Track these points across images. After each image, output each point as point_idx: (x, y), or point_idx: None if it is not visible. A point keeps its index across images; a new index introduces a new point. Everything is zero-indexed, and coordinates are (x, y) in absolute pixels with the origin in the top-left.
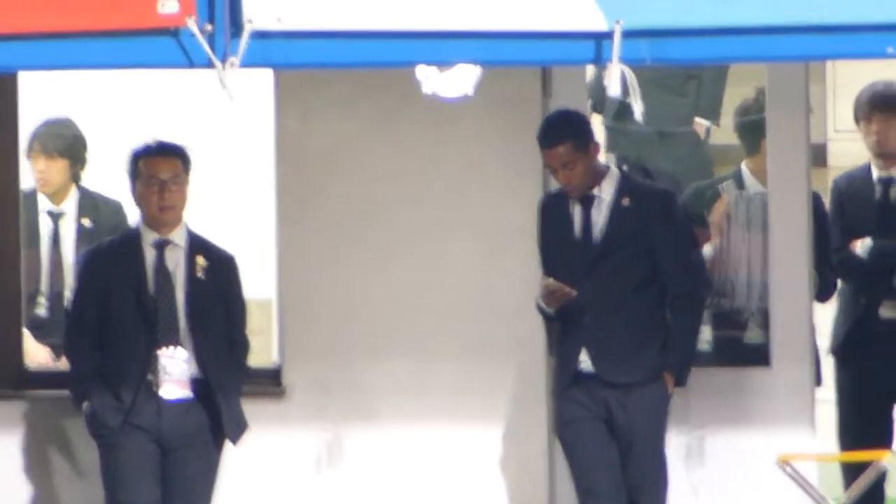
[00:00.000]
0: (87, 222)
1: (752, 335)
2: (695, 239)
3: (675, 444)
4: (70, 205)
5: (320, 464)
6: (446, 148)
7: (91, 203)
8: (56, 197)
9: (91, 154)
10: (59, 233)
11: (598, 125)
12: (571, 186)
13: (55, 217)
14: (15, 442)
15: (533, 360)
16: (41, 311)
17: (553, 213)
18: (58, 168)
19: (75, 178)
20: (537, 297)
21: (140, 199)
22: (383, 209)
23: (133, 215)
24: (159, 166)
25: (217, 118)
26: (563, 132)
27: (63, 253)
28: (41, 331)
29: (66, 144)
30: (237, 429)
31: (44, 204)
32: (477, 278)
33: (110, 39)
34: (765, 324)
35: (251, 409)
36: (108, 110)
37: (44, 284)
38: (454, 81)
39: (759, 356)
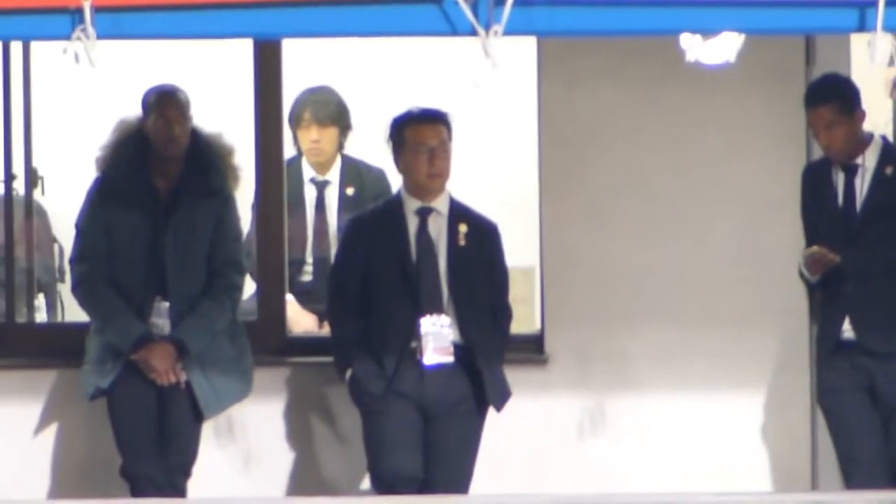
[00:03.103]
0: (350, 191)
1: None
2: None
3: None
4: (335, 173)
5: (583, 432)
6: (709, 116)
7: (355, 171)
8: (322, 166)
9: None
10: (325, 201)
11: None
12: (833, 150)
13: (320, 185)
14: (278, 408)
15: (796, 328)
16: (307, 278)
17: (816, 182)
18: (329, 137)
19: (340, 147)
20: (800, 264)
21: (406, 167)
22: (645, 177)
23: (395, 183)
24: (426, 133)
25: (480, 86)
26: (829, 93)
27: (328, 221)
28: (307, 297)
29: (336, 113)
30: (500, 396)
31: (307, 172)
32: (740, 246)
33: (374, 6)
34: None
35: (514, 376)
36: (367, 78)
37: (309, 252)
38: (717, 49)
39: None
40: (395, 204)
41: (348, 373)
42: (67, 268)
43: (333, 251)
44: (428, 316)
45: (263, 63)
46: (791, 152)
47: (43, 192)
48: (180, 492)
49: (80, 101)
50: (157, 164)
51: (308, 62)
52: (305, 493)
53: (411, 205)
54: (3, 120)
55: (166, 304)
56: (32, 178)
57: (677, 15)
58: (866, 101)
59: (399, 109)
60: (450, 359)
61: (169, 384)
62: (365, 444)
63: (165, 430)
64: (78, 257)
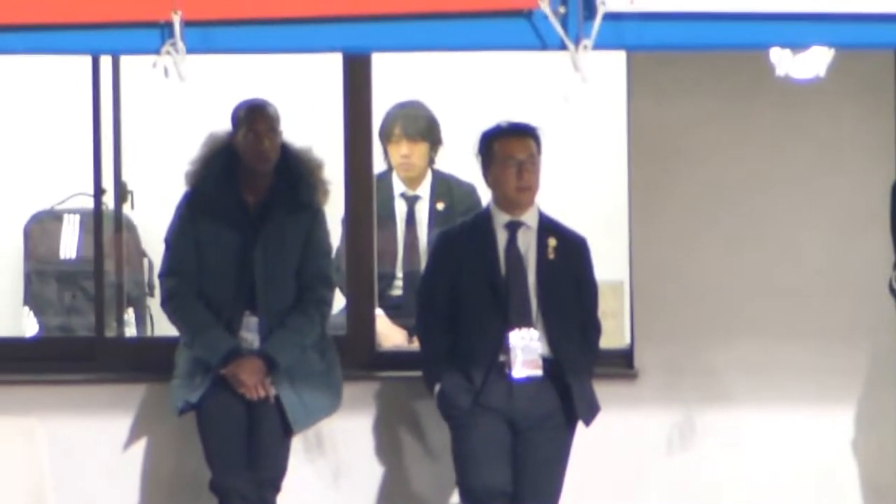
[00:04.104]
0: (441, 205)
1: None
2: None
3: None
4: (425, 188)
5: (672, 446)
6: (798, 130)
7: (445, 186)
8: (413, 181)
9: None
10: (415, 216)
11: None
12: None
13: (410, 200)
14: (367, 423)
15: (886, 343)
16: (396, 292)
17: None
18: (420, 152)
19: (430, 162)
20: (891, 278)
21: (495, 181)
22: (734, 191)
23: (486, 198)
24: (515, 147)
25: (569, 101)
26: None
27: (418, 235)
28: (396, 311)
29: (426, 128)
30: (589, 411)
31: (398, 187)
32: (829, 261)
33: (463, 21)
34: None
35: (603, 390)
36: (457, 92)
37: (399, 266)
38: (807, 63)
39: None
40: (485, 218)
41: (437, 387)
42: (157, 282)
43: (423, 265)
44: (517, 330)
45: (353, 77)
46: (881, 167)
47: (132, 207)
48: None
49: (170, 115)
50: (247, 178)
51: (398, 76)
52: None
53: (500, 219)
54: (92, 134)
55: (255, 319)
56: (122, 192)
57: (767, 29)
58: None
59: (489, 123)
60: (539, 372)
61: (258, 398)
62: (454, 459)
63: (255, 444)
64: (167, 272)
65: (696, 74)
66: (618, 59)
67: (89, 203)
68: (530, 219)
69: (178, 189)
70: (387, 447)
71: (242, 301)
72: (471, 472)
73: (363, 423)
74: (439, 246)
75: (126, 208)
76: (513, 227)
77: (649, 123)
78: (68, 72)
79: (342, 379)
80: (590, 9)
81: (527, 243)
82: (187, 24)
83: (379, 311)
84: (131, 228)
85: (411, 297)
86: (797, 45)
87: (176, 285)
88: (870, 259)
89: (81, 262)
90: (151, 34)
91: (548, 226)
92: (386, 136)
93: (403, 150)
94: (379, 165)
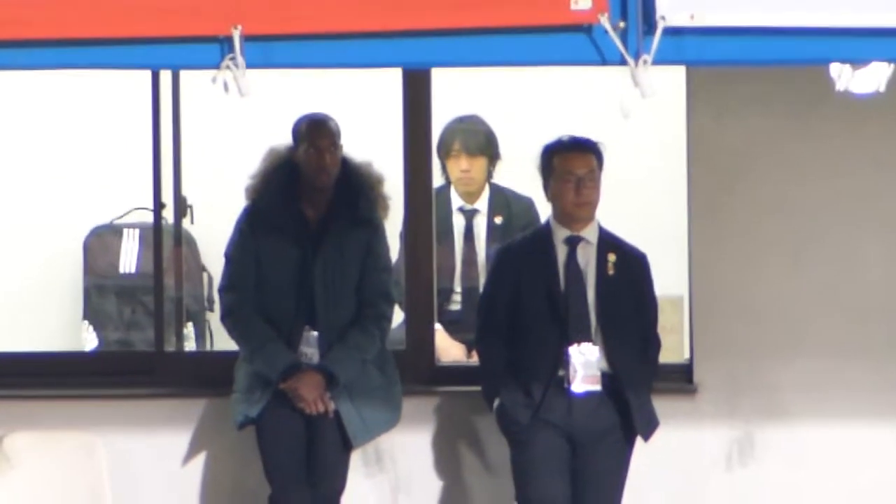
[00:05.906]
0: (499, 220)
1: None
2: None
3: None
4: (483, 202)
5: (731, 461)
6: (859, 146)
7: (503, 200)
8: (471, 195)
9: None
10: (473, 230)
11: None
12: None
13: (469, 214)
14: (426, 437)
15: None
16: (455, 307)
17: None
18: (479, 166)
19: (489, 176)
20: None
21: (554, 196)
22: (795, 206)
23: (543, 212)
24: (575, 162)
25: (629, 116)
26: None
27: (476, 250)
28: (455, 326)
29: (485, 143)
30: (648, 425)
31: (456, 201)
32: (890, 276)
33: (523, 36)
34: None
35: (662, 405)
36: (516, 106)
37: (457, 281)
38: (867, 78)
39: None
40: (545, 233)
41: (496, 402)
42: (216, 297)
43: (482, 280)
44: (576, 345)
45: (412, 92)
46: None
47: (192, 221)
48: None
49: (230, 129)
50: (307, 193)
51: (457, 91)
52: None
53: (560, 234)
54: (152, 149)
55: (315, 334)
56: (182, 206)
57: (827, 44)
58: None
59: (547, 138)
60: (597, 387)
61: (317, 413)
62: (512, 473)
63: (314, 459)
64: (227, 287)
65: (756, 90)
66: (678, 74)
67: (149, 217)
68: (590, 234)
69: (237, 204)
70: (446, 462)
71: (302, 316)
72: (529, 486)
73: (422, 437)
74: (499, 261)
75: (186, 223)
76: (572, 242)
77: (709, 138)
78: (128, 86)
79: (401, 393)
80: (649, 24)
81: (586, 258)
82: (247, 38)
83: (437, 326)
84: (191, 243)
85: (469, 312)
86: (857, 61)
87: (235, 300)
88: None
89: (141, 276)
90: (211, 49)
91: (608, 241)
92: (445, 152)
93: (463, 165)
94: (437, 180)
